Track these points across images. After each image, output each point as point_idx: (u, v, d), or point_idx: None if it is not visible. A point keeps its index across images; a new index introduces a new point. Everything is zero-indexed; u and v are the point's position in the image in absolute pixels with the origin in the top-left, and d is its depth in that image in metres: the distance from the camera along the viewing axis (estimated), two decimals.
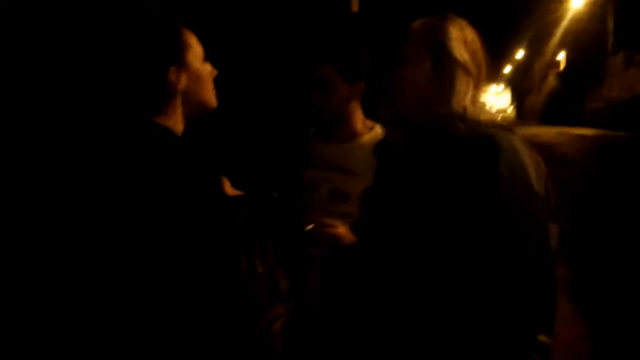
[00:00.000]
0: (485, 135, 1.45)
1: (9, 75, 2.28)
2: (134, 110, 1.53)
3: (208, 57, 1.63)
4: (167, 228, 1.38)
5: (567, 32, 26.37)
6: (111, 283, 1.40)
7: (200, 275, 1.42)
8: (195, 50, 1.56)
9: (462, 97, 1.52)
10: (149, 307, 1.38)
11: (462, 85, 1.52)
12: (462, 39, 1.54)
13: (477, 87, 1.56)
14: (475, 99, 1.55)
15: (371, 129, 2.15)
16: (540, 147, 1.66)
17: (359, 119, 2.12)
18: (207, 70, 1.59)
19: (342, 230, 1.83)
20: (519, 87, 42.05)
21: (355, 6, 5.10)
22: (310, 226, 1.83)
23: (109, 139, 1.52)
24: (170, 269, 1.38)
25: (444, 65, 1.52)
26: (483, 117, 1.55)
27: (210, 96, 1.60)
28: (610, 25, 21.63)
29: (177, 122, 1.54)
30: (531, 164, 1.45)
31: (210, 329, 1.44)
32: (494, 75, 1.68)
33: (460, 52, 1.52)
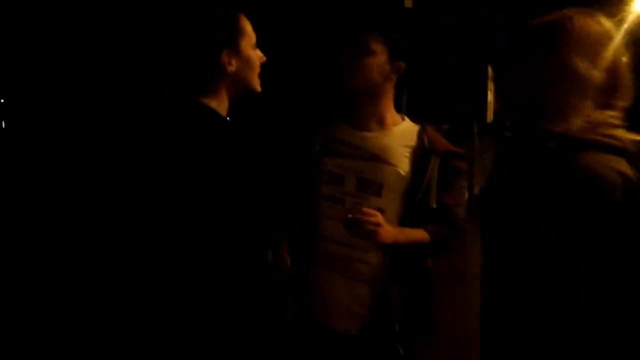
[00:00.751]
0: (583, 170, 1.25)
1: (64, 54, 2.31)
2: (185, 88, 1.65)
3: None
4: (210, 210, 1.48)
5: (629, 35, 25.52)
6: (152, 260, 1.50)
7: (232, 258, 1.51)
8: (249, 36, 1.68)
9: (572, 113, 1.32)
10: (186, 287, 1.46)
11: (575, 99, 1.32)
12: (584, 44, 1.33)
13: (605, 104, 1.33)
14: (598, 119, 1.32)
15: (402, 120, 2.04)
16: None
17: (390, 106, 2.02)
18: (257, 56, 1.70)
19: (382, 222, 1.76)
20: None
21: (408, 2, 5.02)
22: (349, 216, 1.75)
23: (160, 119, 1.63)
24: (205, 250, 1.47)
25: (554, 74, 1.34)
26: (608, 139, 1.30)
27: (256, 81, 1.71)
28: None
29: (221, 102, 1.64)
30: None
31: (238, 315, 1.51)
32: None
33: (575, 60, 1.31)
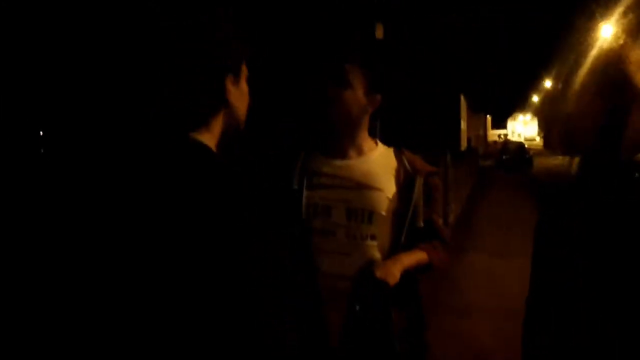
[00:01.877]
0: None
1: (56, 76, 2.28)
2: (178, 121, 1.47)
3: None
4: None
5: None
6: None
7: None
8: (245, 68, 1.54)
9: None
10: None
11: None
12: None
13: None
14: None
15: (376, 144, 1.99)
16: None
17: (366, 134, 1.99)
18: (247, 89, 1.56)
19: (386, 276, 1.71)
20: (547, 117, 41.97)
21: (379, 33, 5.10)
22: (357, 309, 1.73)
23: (149, 155, 1.46)
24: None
25: (621, 97, 1.28)
26: None
27: (244, 114, 1.56)
28: None
29: (213, 137, 1.48)
30: None
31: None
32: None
33: None
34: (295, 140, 2.18)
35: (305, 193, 1.90)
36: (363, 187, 1.88)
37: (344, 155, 1.94)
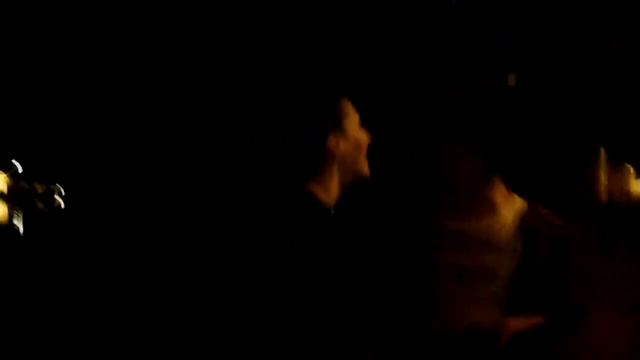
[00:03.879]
0: None
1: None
2: (294, 173, 1.61)
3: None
4: None
5: None
6: None
7: None
8: (353, 117, 1.64)
9: None
10: None
11: None
12: None
13: None
14: None
15: (510, 200, 1.99)
16: None
17: (498, 191, 1.97)
18: (363, 137, 1.64)
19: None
20: None
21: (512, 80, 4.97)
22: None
23: (266, 206, 1.62)
24: None
25: None
26: None
27: (364, 163, 1.65)
28: None
29: (331, 187, 1.59)
30: None
31: None
32: None
33: None
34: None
35: (429, 253, 2.02)
36: (488, 247, 1.96)
37: (473, 214, 2.04)
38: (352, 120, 1.64)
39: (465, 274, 1.90)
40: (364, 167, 1.65)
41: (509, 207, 1.92)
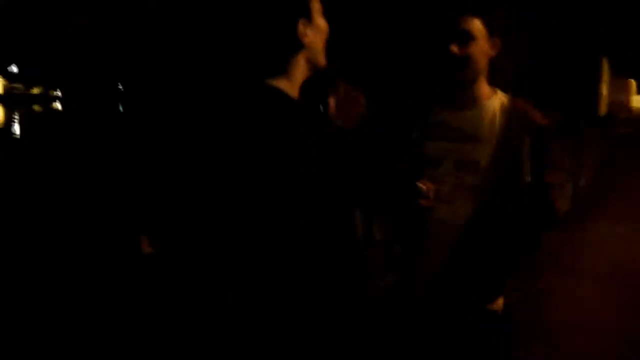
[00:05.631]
0: None
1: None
2: (257, 68, 1.54)
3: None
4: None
5: None
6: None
7: (311, 228, 1.48)
8: (317, 3, 1.57)
9: None
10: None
11: None
12: None
13: None
14: None
15: (494, 93, 1.99)
16: None
17: (484, 82, 1.97)
18: (324, 24, 1.58)
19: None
20: None
21: None
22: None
23: (228, 105, 1.54)
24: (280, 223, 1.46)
25: None
26: None
27: (323, 53, 1.59)
28: None
29: (293, 82, 1.54)
30: None
31: (324, 286, 1.50)
32: None
33: None
34: (419, 94, 2.18)
35: (423, 144, 1.97)
36: (471, 139, 1.92)
37: (460, 106, 1.97)
38: (317, 8, 1.56)
39: (454, 164, 1.92)
40: (323, 57, 1.60)
41: (490, 100, 1.92)
